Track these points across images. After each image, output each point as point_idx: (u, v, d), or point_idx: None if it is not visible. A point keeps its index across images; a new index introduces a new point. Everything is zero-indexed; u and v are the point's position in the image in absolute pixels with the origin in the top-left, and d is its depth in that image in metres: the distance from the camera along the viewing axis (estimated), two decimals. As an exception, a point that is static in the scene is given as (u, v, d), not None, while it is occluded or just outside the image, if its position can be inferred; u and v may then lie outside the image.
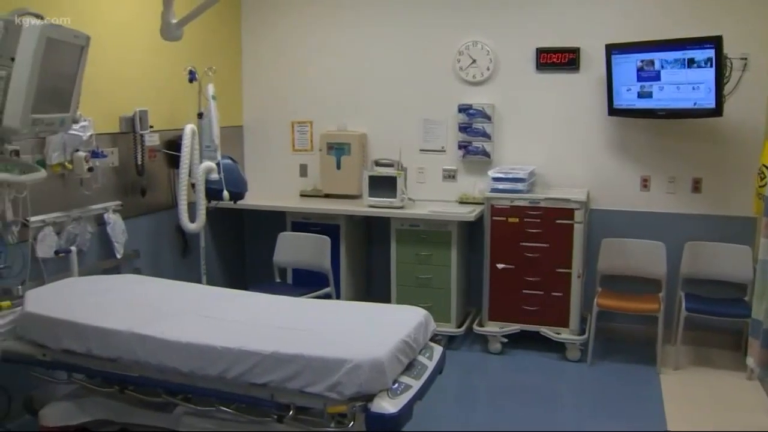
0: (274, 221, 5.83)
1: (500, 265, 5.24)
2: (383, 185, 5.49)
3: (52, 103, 2.67)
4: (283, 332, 3.14)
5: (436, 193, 5.88)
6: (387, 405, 2.80)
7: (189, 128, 4.93)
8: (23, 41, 2.46)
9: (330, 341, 3.01)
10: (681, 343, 5.00)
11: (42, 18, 2.57)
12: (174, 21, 4.11)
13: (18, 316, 3.54)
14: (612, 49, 5.11)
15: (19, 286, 3.83)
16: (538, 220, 5.12)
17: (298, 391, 2.91)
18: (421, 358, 3.25)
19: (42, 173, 3.12)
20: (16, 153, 3.72)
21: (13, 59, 2.45)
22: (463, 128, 5.73)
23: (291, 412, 2.97)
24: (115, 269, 4.76)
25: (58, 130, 3.06)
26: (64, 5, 4.20)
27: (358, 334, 3.16)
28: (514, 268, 5.21)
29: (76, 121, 3.01)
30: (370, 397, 2.82)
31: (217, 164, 5.11)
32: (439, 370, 3.35)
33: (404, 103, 5.93)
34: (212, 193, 5.09)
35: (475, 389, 4.91)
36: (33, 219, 4.01)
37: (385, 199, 5.47)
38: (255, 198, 5.78)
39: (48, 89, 2.58)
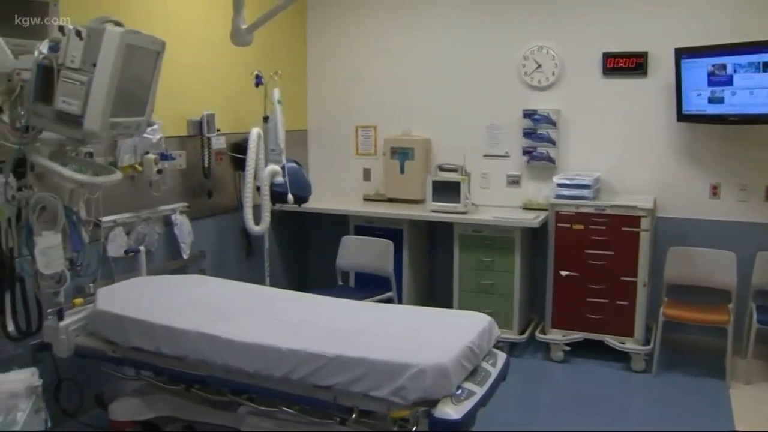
0: (338, 225, 5.87)
1: (564, 273, 5.17)
2: (447, 190, 5.47)
3: (128, 107, 2.74)
4: (347, 335, 3.16)
5: (500, 199, 5.83)
6: (450, 411, 2.79)
7: (255, 132, 4.99)
8: (104, 48, 2.53)
9: (394, 346, 3.02)
10: (752, 356, 4.85)
11: (121, 25, 2.64)
12: (244, 26, 4.16)
13: (90, 313, 3.64)
14: (681, 54, 5.00)
15: (91, 284, 3.93)
16: (604, 228, 5.04)
17: (361, 394, 2.92)
18: (485, 365, 3.23)
19: (118, 175, 3.20)
20: (90, 155, 3.83)
21: (94, 65, 2.52)
22: (528, 133, 5.68)
23: (354, 416, 2.98)
24: (181, 269, 4.84)
25: (134, 133, 3.13)
26: (139, 13, 4.32)
27: (422, 339, 3.15)
28: (579, 275, 5.14)
29: (150, 125, 3.08)
30: (433, 403, 2.81)
31: (282, 167, 5.16)
32: (502, 377, 3.32)
33: (468, 108, 5.90)
34: (277, 196, 5.14)
35: (538, 397, 4.85)
36: (104, 219, 4.12)
37: (448, 204, 5.44)
38: (319, 201, 5.82)
39: (125, 94, 2.65)
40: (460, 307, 5.34)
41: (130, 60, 2.62)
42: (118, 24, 2.64)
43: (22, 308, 3.20)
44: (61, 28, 2.55)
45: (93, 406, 3.95)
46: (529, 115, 5.66)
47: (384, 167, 6.09)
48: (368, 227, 5.73)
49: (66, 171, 2.82)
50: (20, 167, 2.67)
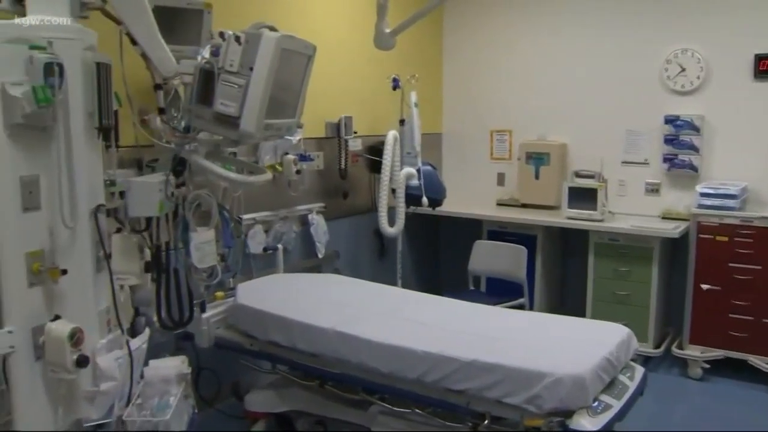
0: (470, 229, 5.85)
1: (705, 286, 4.95)
2: (583, 197, 5.36)
3: (280, 110, 2.83)
4: (482, 340, 3.14)
5: (637, 207, 5.65)
6: (587, 423, 2.73)
7: (391, 135, 5.05)
8: (261, 52, 2.63)
9: (530, 353, 2.98)
10: None
11: (276, 30, 2.73)
12: (387, 30, 4.22)
13: (230, 306, 3.79)
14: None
15: (231, 279, 4.08)
16: (750, 240, 4.79)
17: (495, 400, 2.90)
18: (622, 378, 3.14)
19: (268, 175, 3.32)
20: (234, 155, 3.98)
21: (251, 68, 2.63)
22: (669, 140, 5.48)
23: (486, 422, 2.96)
24: (316, 268, 4.95)
25: (285, 135, 3.24)
26: (287, 18, 4.46)
27: (559, 347, 3.10)
28: (721, 289, 4.91)
29: (300, 127, 3.17)
30: (569, 414, 2.76)
31: (418, 170, 5.20)
32: (639, 391, 3.21)
33: (606, 113, 5.75)
34: (412, 198, 5.19)
35: (673, 415, 4.65)
36: (245, 217, 4.27)
37: (584, 211, 5.33)
38: (452, 205, 5.82)
39: (278, 96, 2.74)
40: (593, 317, 5.21)
41: (284, 64, 2.71)
42: (272, 29, 2.74)
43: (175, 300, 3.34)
44: (221, 34, 2.66)
45: (229, 395, 4.11)
46: (670, 121, 5.45)
47: (518, 172, 6.03)
48: (501, 232, 5.69)
49: (222, 170, 2.95)
50: (178, 166, 2.80)
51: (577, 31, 5.84)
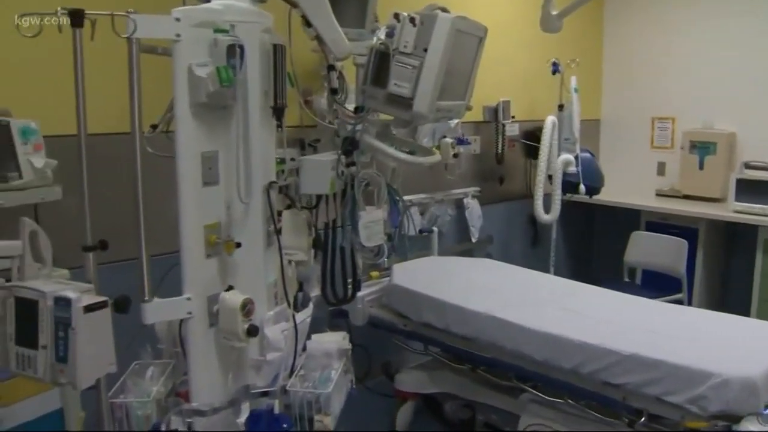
0: (627, 219, 5.67)
1: None
2: (754, 190, 5.05)
3: (451, 92, 2.84)
4: (643, 334, 3.04)
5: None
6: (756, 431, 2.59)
7: (550, 120, 4.96)
8: (436, 33, 2.65)
9: (695, 351, 2.85)
10: None
11: (448, 12, 2.74)
12: (554, 12, 4.14)
13: (385, 286, 3.85)
14: None
15: (385, 259, 4.13)
16: None
17: (654, 397, 2.80)
18: (796, 385, 2.96)
19: (437, 156, 3.33)
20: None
21: (425, 50, 2.65)
22: None
23: (643, 419, 2.87)
24: (468, 252, 4.95)
25: (454, 117, 3.26)
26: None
27: (726, 347, 2.94)
28: None
29: (469, 109, 3.17)
30: (735, 419, 2.62)
31: (576, 157, 5.09)
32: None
33: (781, 100, 5.40)
34: (568, 185, 5.09)
35: None
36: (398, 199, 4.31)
37: (755, 205, 5.02)
38: (609, 194, 5.64)
39: (449, 78, 2.75)
40: (759, 317, 4.94)
41: (457, 45, 2.71)
42: (444, 11, 2.74)
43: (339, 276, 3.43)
44: (396, 15, 2.69)
45: (378, 373, 4.17)
46: None
47: (681, 162, 5.75)
48: (661, 224, 5.47)
49: (393, 151, 2.99)
50: (349, 146, 2.86)
51: (748, 11, 5.47)
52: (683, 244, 4.85)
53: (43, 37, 1.92)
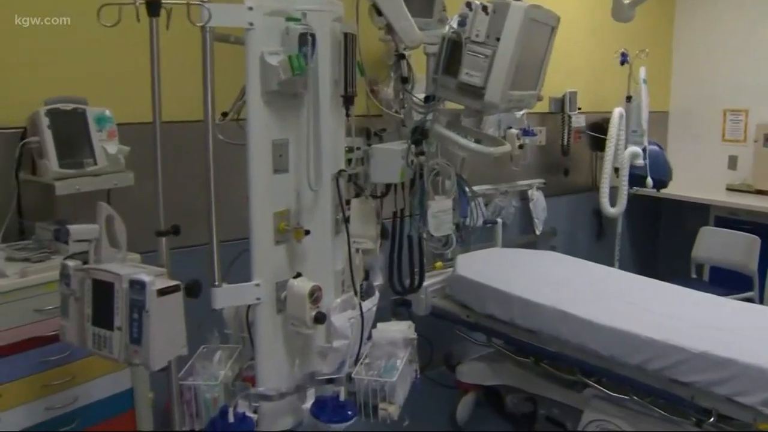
0: (696, 214, 5.54)
1: None
2: (833, 186, 4.90)
3: (522, 81, 2.81)
4: (713, 332, 2.96)
5: None
6: (831, 433, 2.51)
7: (617, 112, 4.88)
8: (509, 22, 2.62)
9: (768, 350, 2.77)
10: None
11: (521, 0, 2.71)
12: (627, 1, 4.06)
13: (449, 277, 3.84)
14: None
15: (448, 250, 4.12)
16: None
17: (724, 397, 2.73)
18: None
19: (507, 147, 3.30)
20: (459, 126, 4.02)
21: (498, 39, 2.62)
22: None
23: (712, 419, 2.80)
24: (532, 244, 4.91)
25: (525, 107, 3.23)
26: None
27: (801, 348, 2.86)
28: None
29: (540, 99, 3.13)
30: (812, 423, 2.55)
31: (644, 150, 5.00)
32: None
33: None
34: (635, 179, 5.01)
35: None
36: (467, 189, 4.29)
37: (834, 201, 4.88)
38: (677, 188, 5.53)
39: (521, 67, 2.72)
40: (833, 318, 4.79)
41: (529, 35, 2.68)
42: (518, -1, 2.73)
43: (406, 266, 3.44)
44: (468, 4, 2.67)
45: (440, 364, 4.17)
46: None
47: (754, 156, 5.60)
48: (731, 219, 5.33)
49: (465, 140, 2.98)
50: (419, 136, 2.86)
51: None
52: (756, 240, 4.72)
53: (117, 27, 1.95)
